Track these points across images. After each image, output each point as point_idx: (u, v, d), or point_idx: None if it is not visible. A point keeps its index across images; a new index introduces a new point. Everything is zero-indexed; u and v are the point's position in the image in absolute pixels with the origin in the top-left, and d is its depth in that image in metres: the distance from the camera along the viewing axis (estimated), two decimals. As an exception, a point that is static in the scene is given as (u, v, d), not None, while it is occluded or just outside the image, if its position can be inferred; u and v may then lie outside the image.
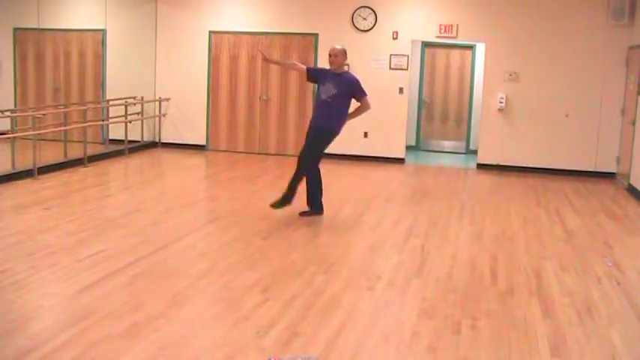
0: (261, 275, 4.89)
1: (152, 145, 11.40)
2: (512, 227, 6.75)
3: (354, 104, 6.81)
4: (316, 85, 7.15)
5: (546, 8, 9.96)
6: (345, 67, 6.82)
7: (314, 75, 6.97)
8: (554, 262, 5.53)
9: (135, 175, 9.60)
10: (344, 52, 6.71)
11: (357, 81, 6.70)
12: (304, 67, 7.10)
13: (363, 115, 10.72)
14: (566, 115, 10.03)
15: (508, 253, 5.80)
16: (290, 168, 9.89)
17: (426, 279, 4.99)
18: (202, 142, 11.35)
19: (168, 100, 11.35)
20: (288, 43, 10.84)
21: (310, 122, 6.87)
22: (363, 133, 10.70)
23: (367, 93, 6.70)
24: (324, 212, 6.82)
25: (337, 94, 6.57)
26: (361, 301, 4.48)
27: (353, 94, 6.66)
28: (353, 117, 6.80)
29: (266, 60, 7.14)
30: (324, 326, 3.99)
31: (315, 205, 6.78)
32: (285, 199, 6.64)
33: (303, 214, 6.74)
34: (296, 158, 6.88)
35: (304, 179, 6.72)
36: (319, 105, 6.72)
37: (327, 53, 6.81)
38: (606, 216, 7.48)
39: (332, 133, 6.67)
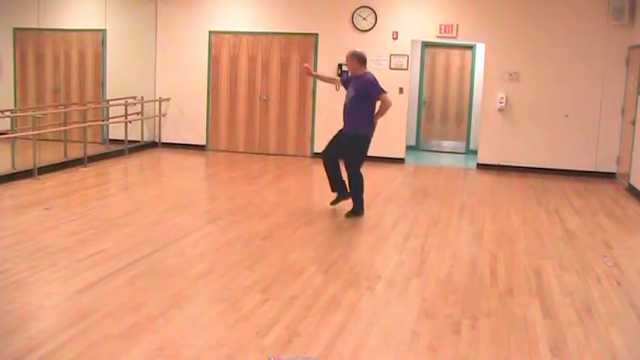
0: (261, 275, 4.89)
1: (152, 145, 11.40)
2: (512, 227, 6.75)
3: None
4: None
5: (546, 8, 9.96)
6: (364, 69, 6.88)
7: (344, 83, 7.11)
8: (554, 262, 5.53)
9: (135, 175, 9.60)
10: (353, 55, 6.78)
11: (372, 80, 6.69)
12: (338, 78, 7.44)
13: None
14: (566, 115, 10.03)
15: (508, 253, 5.80)
16: (289, 168, 9.93)
17: (426, 279, 4.99)
18: (202, 142, 11.35)
19: (168, 100, 11.35)
20: (288, 43, 10.84)
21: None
22: (363, 133, 10.69)
23: (386, 90, 6.75)
24: (363, 213, 6.97)
25: (354, 96, 6.67)
26: (361, 301, 4.47)
27: (369, 94, 6.67)
28: (378, 117, 6.82)
29: (310, 74, 7.50)
30: (324, 326, 3.99)
31: (356, 206, 6.90)
32: (341, 196, 7.06)
33: (348, 214, 6.88)
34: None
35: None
36: (344, 109, 6.86)
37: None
38: (606, 216, 7.48)
39: (364, 139, 6.76)
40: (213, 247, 5.70)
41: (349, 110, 6.77)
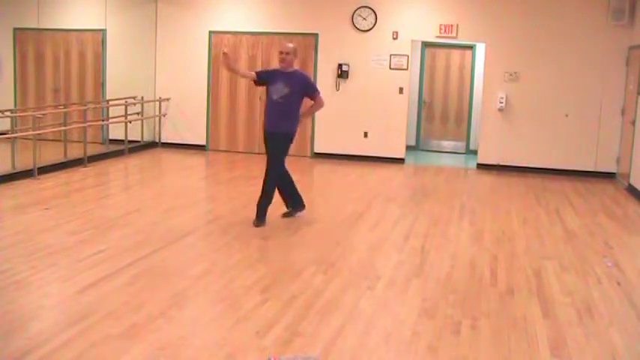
0: (261, 275, 4.89)
1: (152, 145, 11.40)
2: (512, 227, 6.75)
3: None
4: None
5: (546, 8, 9.96)
6: (295, 66, 6.52)
7: (263, 77, 6.48)
8: (554, 262, 5.53)
9: (135, 175, 9.60)
10: (295, 51, 6.42)
11: (310, 79, 6.50)
12: (253, 73, 6.60)
13: (363, 115, 10.71)
14: (566, 115, 10.03)
15: (508, 253, 5.80)
16: (289, 168, 9.90)
17: (426, 279, 4.99)
18: (202, 142, 11.35)
19: (168, 100, 11.35)
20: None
21: (264, 127, 6.44)
22: (363, 133, 10.70)
23: (319, 90, 6.52)
24: (306, 208, 6.80)
25: (289, 93, 6.24)
26: (361, 301, 4.47)
27: (306, 92, 6.38)
28: (307, 116, 6.61)
29: (228, 65, 6.53)
30: (324, 326, 3.99)
31: (295, 203, 6.68)
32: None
33: (286, 214, 6.67)
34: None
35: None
36: (270, 106, 6.34)
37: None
38: (606, 216, 7.48)
39: (290, 138, 6.40)
40: (213, 247, 5.70)
41: (282, 108, 6.27)
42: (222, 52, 6.61)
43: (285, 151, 6.45)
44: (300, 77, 6.44)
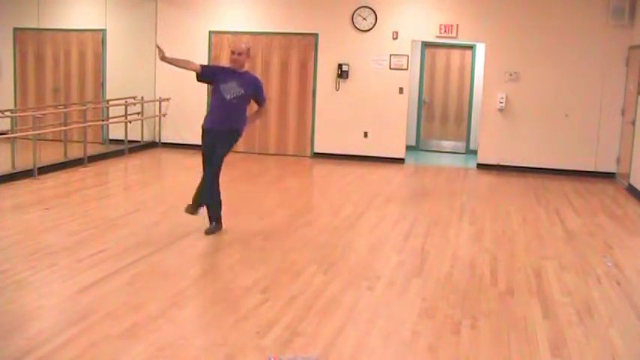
0: (261, 275, 4.89)
1: (152, 145, 11.40)
2: (512, 227, 6.75)
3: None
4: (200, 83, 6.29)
5: (546, 8, 9.96)
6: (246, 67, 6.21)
7: (209, 74, 6.15)
8: (554, 262, 5.53)
9: (135, 175, 9.60)
10: (248, 51, 6.15)
11: (262, 84, 6.25)
12: (198, 65, 6.18)
13: (363, 115, 10.72)
14: (566, 115, 10.03)
15: (508, 253, 5.80)
16: (289, 168, 9.95)
17: (426, 279, 4.99)
18: (202, 142, 11.34)
19: (168, 100, 11.35)
20: (288, 43, 10.84)
21: (208, 125, 6.04)
22: (363, 133, 10.70)
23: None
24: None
25: (243, 94, 5.99)
26: (361, 301, 4.47)
27: (255, 97, 6.15)
28: (251, 122, 6.29)
29: (163, 58, 6.10)
30: (324, 326, 3.99)
31: (218, 219, 6.12)
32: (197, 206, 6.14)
33: (208, 231, 6.01)
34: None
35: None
36: (221, 105, 5.99)
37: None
38: (606, 216, 7.48)
39: (238, 134, 6.12)
40: (213, 247, 5.71)
41: (234, 109, 5.99)
42: (155, 45, 6.26)
43: (231, 147, 6.10)
44: (253, 80, 6.18)
